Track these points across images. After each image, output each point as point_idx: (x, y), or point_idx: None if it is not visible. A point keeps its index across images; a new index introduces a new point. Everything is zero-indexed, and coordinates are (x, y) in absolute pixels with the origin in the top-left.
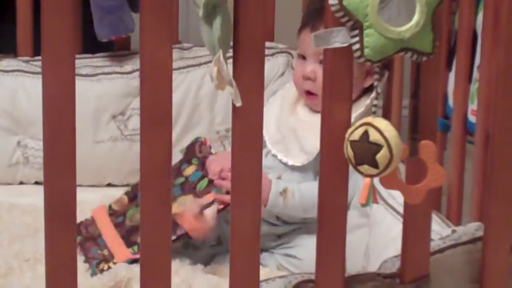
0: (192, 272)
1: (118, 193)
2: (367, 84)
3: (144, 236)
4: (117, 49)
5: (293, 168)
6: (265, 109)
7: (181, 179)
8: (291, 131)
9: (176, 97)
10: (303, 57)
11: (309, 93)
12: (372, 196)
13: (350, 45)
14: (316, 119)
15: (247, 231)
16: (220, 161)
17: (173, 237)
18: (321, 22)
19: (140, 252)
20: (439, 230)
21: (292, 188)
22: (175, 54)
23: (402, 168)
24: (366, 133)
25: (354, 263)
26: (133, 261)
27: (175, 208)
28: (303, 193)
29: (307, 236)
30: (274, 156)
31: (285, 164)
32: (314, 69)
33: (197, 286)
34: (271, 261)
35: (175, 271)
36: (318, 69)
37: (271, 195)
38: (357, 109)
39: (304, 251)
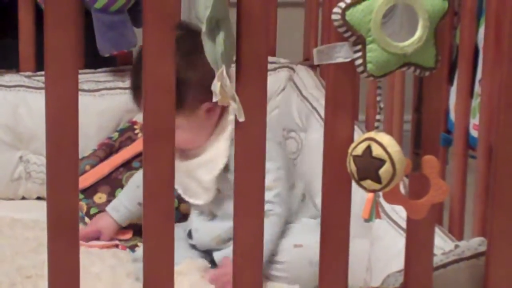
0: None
1: None
2: (213, 120)
3: (147, 250)
4: (120, 64)
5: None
6: None
7: None
8: (188, 175)
9: None
10: None
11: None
12: (375, 211)
13: (353, 60)
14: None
15: (249, 244)
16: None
17: None
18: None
19: None
20: (442, 245)
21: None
22: None
23: (405, 182)
24: (369, 148)
25: (356, 276)
26: None
27: None
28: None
29: (279, 240)
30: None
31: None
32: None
33: None
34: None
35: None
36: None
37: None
38: (225, 135)
39: (284, 254)
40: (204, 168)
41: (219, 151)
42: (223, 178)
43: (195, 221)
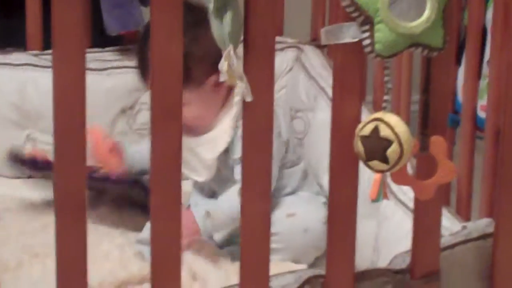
0: (202, 264)
1: None
2: (221, 94)
3: (154, 231)
4: (127, 43)
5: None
6: None
7: None
8: (190, 151)
9: None
10: None
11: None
12: (382, 192)
13: (361, 40)
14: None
15: (257, 226)
16: None
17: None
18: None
19: None
20: (449, 226)
21: (213, 208)
22: None
23: (412, 163)
24: (376, 128)
25: (363, 257)
26: None
27: None
28: (224, 207)
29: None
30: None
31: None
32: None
33: (207, 279)
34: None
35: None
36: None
37: (199, 223)
38: (230, 114)
39: (277, 224)
40: (206, 146)
41: (223, 130)
42: (223, 160)
43: (195, 196)
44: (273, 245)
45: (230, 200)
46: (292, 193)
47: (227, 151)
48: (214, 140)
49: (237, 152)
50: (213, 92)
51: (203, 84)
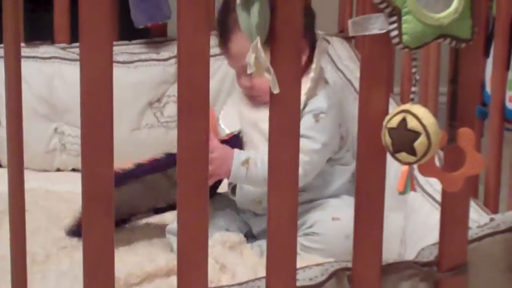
0: (231, 257)
1: None
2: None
3: (181, 223)
4: (154, 36)
5: None
6: (225, 109)
7: None
8: (252, 126)
9: (212, 84)
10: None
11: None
12: (410, 184)
13: (388, 31)
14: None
15: (284, 219)
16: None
17: None
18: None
19: None
20: (477, 218)
21: (254, 157)
22: (212, 41)
23: (440, 155)
24: (404, 120)
25: (390, 249)
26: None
27: None
28: (265, 163)
29: (317, 211)
30: None
31: None
32: (245, 83)
33: (235, 271)
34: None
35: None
36: (247, 80)
37: (233, 166)
38: (303, 89)
39: (321, 225)
40: None
41: None
42: None
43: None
44: (314, 245)
45: None
46: (338, 194)
47: None
48: None
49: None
50: None
51: None
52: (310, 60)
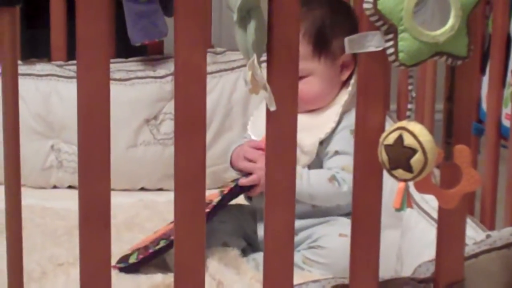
0: (227, 273)
1: (151, 197)
2: (344, 77)
3: (178, 240)
4: (151, 53)
5: None
6: (253, 119)
7: None
8: None
9: (209, 101)
10: None
11: None
12: (406, 201)
13: (385, 49)
14: (305, 118)
15: (280, 235)
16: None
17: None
18: None
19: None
20: (474, 235)
21: (300, 170)
22: (208, 58)
23: (436, 172)
24: (400, 137)
25: (386, 267)
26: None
27: None
28: (311, 178)
29: (324, 227)
30: None
31: None
32: None
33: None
34: (296, 258)
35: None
36: None
37: None
38: (341, 101)
39: (327, 239)
40: (308, 131)
41: (329, 117)
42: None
43: None
44: (318, 259)
45: (321, 176)
46: (349, 214)
47: (321, 143)
48: (317, 126)
49: (333, 144)
50: (338, 72)
51: (335, 60)
52: (351, 75)
